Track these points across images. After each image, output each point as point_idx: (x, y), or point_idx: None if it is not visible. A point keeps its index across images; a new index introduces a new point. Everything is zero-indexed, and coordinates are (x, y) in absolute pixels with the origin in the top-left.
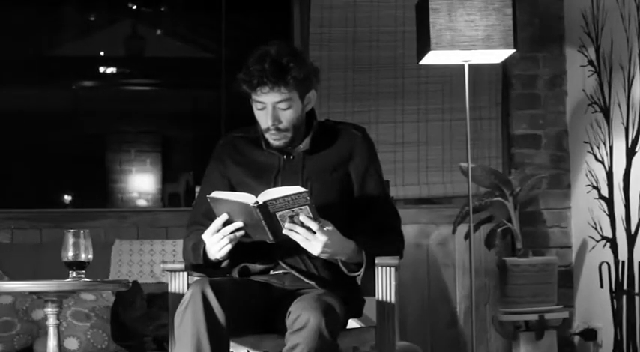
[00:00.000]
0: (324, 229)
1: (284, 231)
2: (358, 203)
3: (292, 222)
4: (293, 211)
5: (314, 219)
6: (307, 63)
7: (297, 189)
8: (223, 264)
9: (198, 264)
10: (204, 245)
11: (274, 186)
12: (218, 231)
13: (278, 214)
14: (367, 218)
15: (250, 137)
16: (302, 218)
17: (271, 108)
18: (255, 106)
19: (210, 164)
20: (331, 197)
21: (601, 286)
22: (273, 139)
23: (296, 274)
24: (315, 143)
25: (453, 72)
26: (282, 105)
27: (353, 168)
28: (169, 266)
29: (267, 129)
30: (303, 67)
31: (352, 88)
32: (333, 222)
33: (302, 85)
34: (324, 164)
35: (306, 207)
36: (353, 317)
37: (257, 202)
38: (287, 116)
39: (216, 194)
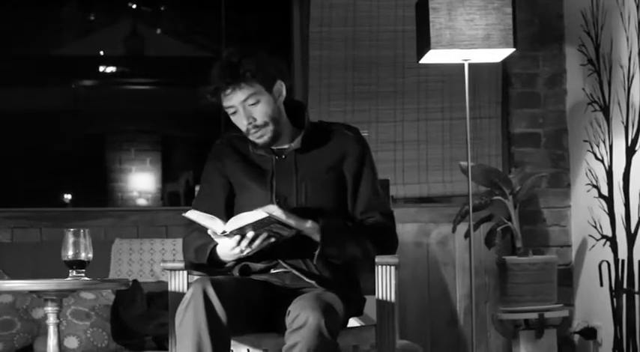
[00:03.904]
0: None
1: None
2: (352, 203)
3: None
4: (262, 230)
5: (290, 229)
6: (261, 56)
7: (259, 214)
8: (228, 264)
9: (201, 263)
10: (211, 247)
11: (271, 190)
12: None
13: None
14: (361, 218)
15: (247, 137)
16: (276, 230)
17: (242, 109)
18: (229, 113)
19: (208, 164)
20: (326, 197)
21: (601, 285)
22: (257, 138)
23: (296, 273)
24: (307, 143)
25: (453, 71)
26: (250, 101)
27: (347, 168)
28: (169, 265)
29: (248, 131)
30: (254, 60)
31: (352, 87)
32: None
33: (261, 76)
34: (317, 165)
35: (276, 224)
36: (353, 315)
37: (225, 231)
38: (259, 110)
39: (190, 216)
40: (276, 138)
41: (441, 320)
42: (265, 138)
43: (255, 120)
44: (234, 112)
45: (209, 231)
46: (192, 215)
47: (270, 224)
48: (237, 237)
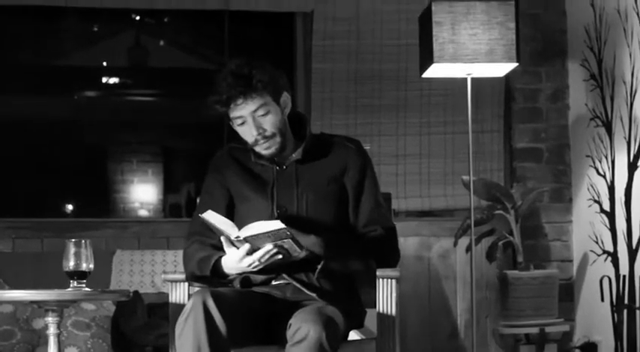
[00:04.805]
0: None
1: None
2: (354, 216)
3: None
4: (276, 244)
5: (300, 248)
6: (268, 68)
7: (277, 225)
8: (231, 276)
9: (204, 275)
10: (215, 259)
11: (272, 200)
12: (246, 255)
13: (261, 246)
14: (363, 232)
15: (247, 148)
16: (287, 247)
17: (251, 119)
18: (236, 123)
19: (208, 176)
20: (326, 209)
21: (602, 300)
22: (265, 149)
23: (297, 285)
24: (309, 154)
25: (456, 85)
26: (261, 112)
27: (348, 180)
28: (170, 276)
29: (256, 142)
30: (265, 71)
31: (355, 100)
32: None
33: (271, 87)
34: (319, 176)
35: (289, 240)
36: (354, 328)
37: (238, 237)
38: (269, 121)
39: (207, 217)
40: (282, 149)
41: (441, 334)
42: (272, 150)
43: (265, 130)
44: (243, 123)
45: (222, 237)
46: (209, 216)
47: (284, 238)
48: (247, 246)
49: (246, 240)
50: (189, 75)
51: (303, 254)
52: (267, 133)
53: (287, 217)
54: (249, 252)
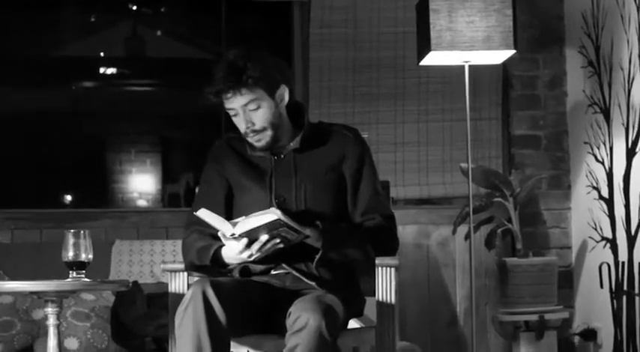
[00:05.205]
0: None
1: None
2: (352, 205)
3: (272, 235)
4: (272, 234)
5: (297, 233)
6: (267, 61)
7: (270, 217)
8: (231, 266)
9: (203, 264)
10: (214, 248)
11: (270, 190)
12: (245, 248)
13: (258, 237)
14: (361, 220)
15: (245, 138)
16: (284, 234)
17: (242, 112)
18: (230, 114)
19: (207, 165)
20: (325, 198)
21: (601, 287)
22: (255, 141)
23: (297, 274)
24: (306, 143)
25: (454, 72)
26: (251, 106)
27: (346, 169)
28: (170, 266)
29: (246, 134)
30: (260, 66)
31: (352, 88)
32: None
33: (264, 82)
34: (317, 165)
35: (284, 228)
36: (353, 317)
37: (234, 234)
38: (259, 116)
39: (201, 215)
40: (274, 142)
41: (441, 322)
42: (263, 143)
43: (253, 124)
44: (235, 114)
45: (219, 233)
46: (203, 214)
47: (279, 227)
48: (245, 241)
49: (241, 236)
50: (187, 65)
51: (302, 235)
52: (257, 127)
53: (285, 207)
54: (248, 245)
